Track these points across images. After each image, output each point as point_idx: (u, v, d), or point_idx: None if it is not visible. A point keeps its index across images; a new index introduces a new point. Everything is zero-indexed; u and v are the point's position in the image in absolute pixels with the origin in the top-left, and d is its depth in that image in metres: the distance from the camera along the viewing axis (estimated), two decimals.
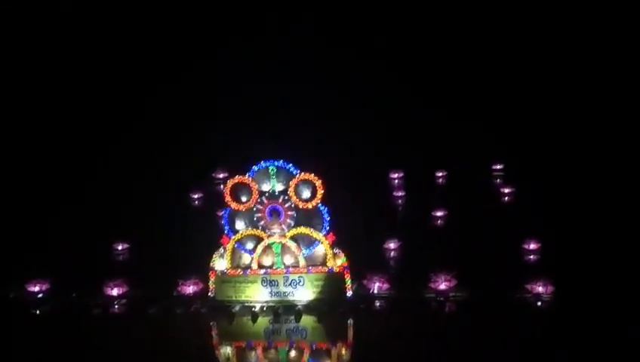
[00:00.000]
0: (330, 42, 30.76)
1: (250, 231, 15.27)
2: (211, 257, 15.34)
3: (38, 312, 15.72)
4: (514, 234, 17.69)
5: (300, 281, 15.02)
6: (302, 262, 15.08)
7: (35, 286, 16.04)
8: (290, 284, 15.05)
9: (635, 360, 12.24)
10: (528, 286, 14.82)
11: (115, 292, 15.73)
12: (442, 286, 15.09)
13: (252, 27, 31.88)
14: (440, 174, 23.87)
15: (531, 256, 17.08)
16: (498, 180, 23.22)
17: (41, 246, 18.84)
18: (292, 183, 14.99)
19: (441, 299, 15.02)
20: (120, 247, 18.77)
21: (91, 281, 16.03)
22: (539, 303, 14.62)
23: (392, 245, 18.02)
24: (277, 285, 15.07)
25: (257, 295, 15.12)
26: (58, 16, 31.81)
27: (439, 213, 20.23)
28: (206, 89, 30.21)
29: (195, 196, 23.17)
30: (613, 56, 28.63)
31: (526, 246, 17.25)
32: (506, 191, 22.03)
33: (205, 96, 29.88)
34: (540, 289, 14.73)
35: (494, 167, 23.88)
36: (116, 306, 15.61)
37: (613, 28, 29.01)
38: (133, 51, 31.47)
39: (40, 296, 15.99)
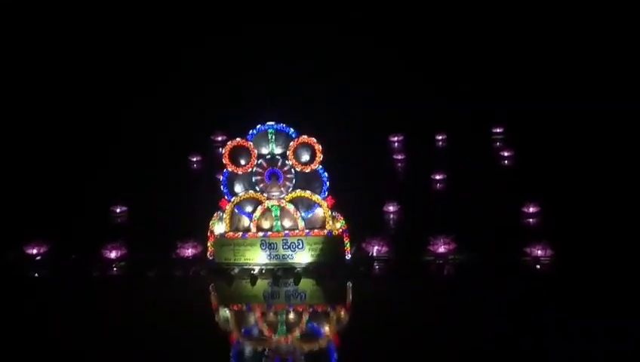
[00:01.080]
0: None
1: (249, 194, 15.22)
2: (210, 220, 15.30)
3: (36, 275, 15.72)
4: (513, 198, 17.67)
5: (299, 244, 14.99)
6: (301, 225, 15.05)
7: (33, 248, 16.00)
8: (289, 247, 15.03)
9: (633, 321, 12.23)
10: (527, 250, 14.81)
11: (113, 255, 15.71)
12: (441, 249, 15.07)
13: None
14: (440, 137, 23.83)
15: (530, 219, 17.07)
16: (498, 143, 23.16)
17: (39, 208, 18.81)
18: (291, 146, 14.92)
19: (440, 261, 15.02)
20: (118, 210, 18.76)
21: (90, 244, 16.00)
22: (537, 266, 14.62)
23: (391, 208, 18.01)
24: (276, 248, 15.05)
25: (256, 258, 15.11)
26: None
27: (438, 176, 20.17)
28: (208, 53, 30.03)
29: (194, 159, 23.11)
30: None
31: (525, 210, 17.23)
32: (506, 154, 21.98)
33: (206, 60, 29.72)
34: (539, 252, 14.71)
35: (494, 130, 23.84)
36: (115, 269, 15.61)
37: None
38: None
39: (38, 258, 15.97)
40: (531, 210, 17.18)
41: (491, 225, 16.45)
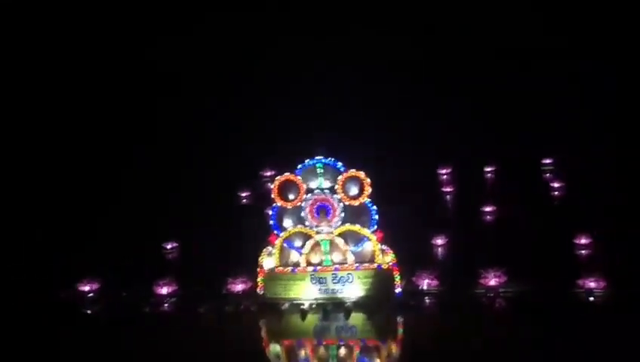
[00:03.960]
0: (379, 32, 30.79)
1: (298, 228, 15.26)
2: (260, 255, 15.35)
3: (89, 312, 15.89)
4: (565, 229, 17.45)
5: (349, 278, 14.96)
6: (350, 259, 15.02)
7: (85, 285, 16.20)
8: (338, 281, 15.00)
9: None
10: (580, 282, 14.61)
11: (164, 291, 15.84)
12: (492, 282, 14.93)
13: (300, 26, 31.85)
14: (489, 169, 23.67)
15: (583, 251, 16.83)
16: (548, 174, 22.93)
17: (91, 246, 19.02)
18: (340, 180, 14.95)
19: (491, 294, 14.88)
20: (169, 246, 18.92)
21: (141, 280, 16.16)
22: (591, 299, 14.39)
23: (439, 241, 17.90)
24: (325, 282, 15.03)
25: (306, 292, 15.10)
26: None
27: (488, 209, 20.01)
28: (256, 88, 30.25)
29: (243, 194, 23.24)
30: None
31: (577, 241, 16.99)
32: (556, 185, 21.74)
33: (254, 95, 29.93)
34: (592, 284, 14.50)
35: (544, 162, 23.61)
36: (166, 305, 15.72)
37: None
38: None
39: (90, 295, 16.15)
40: (583, 241, 16.93)
41: (542, 257, 16.24)
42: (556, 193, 21.50)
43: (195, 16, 32.11)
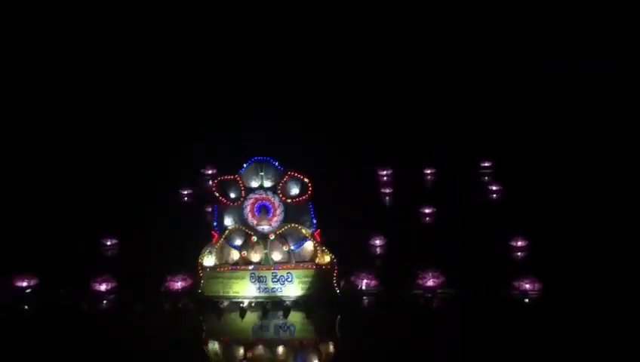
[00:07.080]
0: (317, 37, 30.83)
1: (239, 227, 15.28)
2: (200, 253, 15.33)
3: (25, 308, 15.67)
4: (502, 232, 17.74)
5: (289, 277, 15.03)
6: (290, 259, 15.09)
7: (22, 281, 15.97)
8: (278, 280, 15.06)
9: (621, 353, 12.30)
10: (515, 284, 14.88)
11: (102, 287, 15.71)
12: (430, 283, 15.12)
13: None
14: (428, 171, 23.92)
15: (519, 253, 17.13)
16: (486, 178, 23.26)
17: (29, 241, 18.76)
18: (281, 180, 15.01)
19: (429, 295, 15.06)
20: (108, 243, 18.76)
21: (79, 277, 15.98)
22: (526, 300, 14.67)
23: (377, 241, 18.03)
24: (265, 281, 15.08)
25: (245, 291, 15.13)
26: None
27: (427, 210, 20.24)
28: (200, 86, 30.07)
29: (185, 192, 23.13)
30: None
31: (513, 244, 17.30)
32: (494, 188, 22.07)
33: (197, 93, 29.76)
34: (527, 286, 14.78)
35: (482, 165, 23.94)
36: (104, 302, 15.59)
37: None
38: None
39: (28, 291, 15.94)
40: (519, 243, 17.24)
41: (479, 258, 16.49)
42: (494, 196, 21.85)
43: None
